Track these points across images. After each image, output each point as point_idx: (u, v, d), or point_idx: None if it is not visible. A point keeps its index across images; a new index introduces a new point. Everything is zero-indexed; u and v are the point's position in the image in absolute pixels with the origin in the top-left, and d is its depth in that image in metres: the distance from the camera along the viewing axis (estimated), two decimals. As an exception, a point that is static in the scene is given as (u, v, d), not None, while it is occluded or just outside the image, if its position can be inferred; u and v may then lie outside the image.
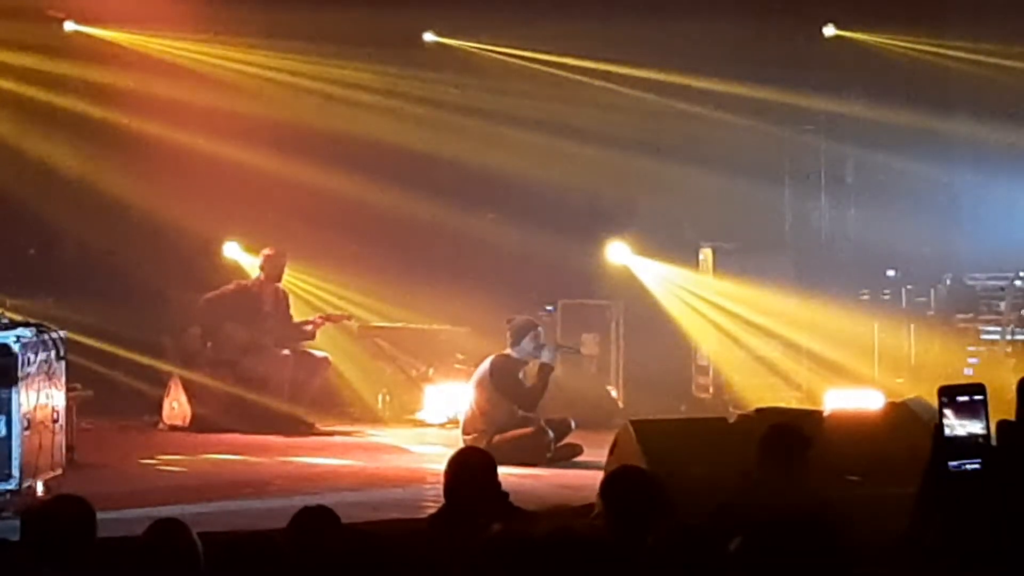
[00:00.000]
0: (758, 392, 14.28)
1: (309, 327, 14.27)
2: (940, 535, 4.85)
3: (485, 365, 12.23)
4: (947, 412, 4.88)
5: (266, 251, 14.25)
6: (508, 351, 12.21)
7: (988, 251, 15.22)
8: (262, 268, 14.22)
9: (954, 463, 4.87)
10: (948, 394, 4.94)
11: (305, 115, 15.68)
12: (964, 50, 15.63)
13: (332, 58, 15.76)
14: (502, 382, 12.03)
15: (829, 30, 16.27)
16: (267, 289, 14.17)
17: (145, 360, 14.34)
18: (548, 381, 12.17)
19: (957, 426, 4.88)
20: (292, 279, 14.98)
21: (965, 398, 4.94)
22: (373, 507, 9.48)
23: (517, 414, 12.09)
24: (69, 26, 15.78)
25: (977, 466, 4.91)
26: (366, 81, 15.89)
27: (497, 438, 11.69)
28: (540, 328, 12.35)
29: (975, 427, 4.91)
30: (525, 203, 15.47)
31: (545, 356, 12.21)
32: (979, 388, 4.98)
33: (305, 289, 15.36)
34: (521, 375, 12.21)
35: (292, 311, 14.43)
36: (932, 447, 4.89)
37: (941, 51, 15.84)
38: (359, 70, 15.85)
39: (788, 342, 14.95)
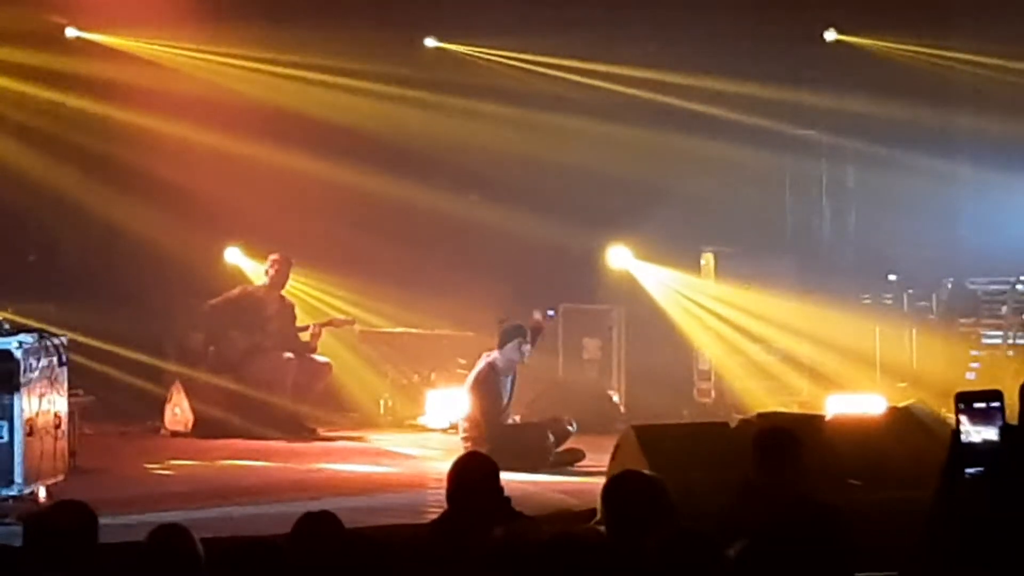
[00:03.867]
0: (760, 397, 14.27)
1: (309, 338, 14.22)
2: (956, 541, 4.84)
3: (473, 372, 12.36)
4: (963, 419, 4.86)
5: (273, 257, 14.23)
6: (494, 355, 12.28)
7: (989, 255, 15.21)
8: (267, 274, 14.21)
9: (971, 470, 4.85)
10: (965, 400, 4.91)
11: (308, 120, 15.67)
12: (966, 55, 15.63)
13: (334, 62, 15.75)
14: (482, 397, 12.18)
15: (830, 35, 16.27)
16: (272, 295, 14.17)
17: (147, 366, 14.34)
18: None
19: (972, 432, 4.86)
20: (295, 284, 14.96)
21: (982, 404, 4.91)
22: (375, 512, 9.47)
23: (508, 418, 12.19)
24: (71, 32, 15.78)
25: (983, 470, 4.88)
26: (369, 86, 15.88)
27: (497, 444, 11.68)
28: (527, 338, 12.41)
29: (991, 434, 4.88)
30: (527, 208, 15.45)
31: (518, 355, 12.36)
32: (996, 395, 4.95)
33: (308, 294, 15.36)
34: (507, 382, 12.28)
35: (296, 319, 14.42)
36: (949, 453, 4.87)
37: (942, 56, 15.84)
38: (362, 75, 15.84)
39: (790, 347, 14.94)
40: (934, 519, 4.85)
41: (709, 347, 15.25)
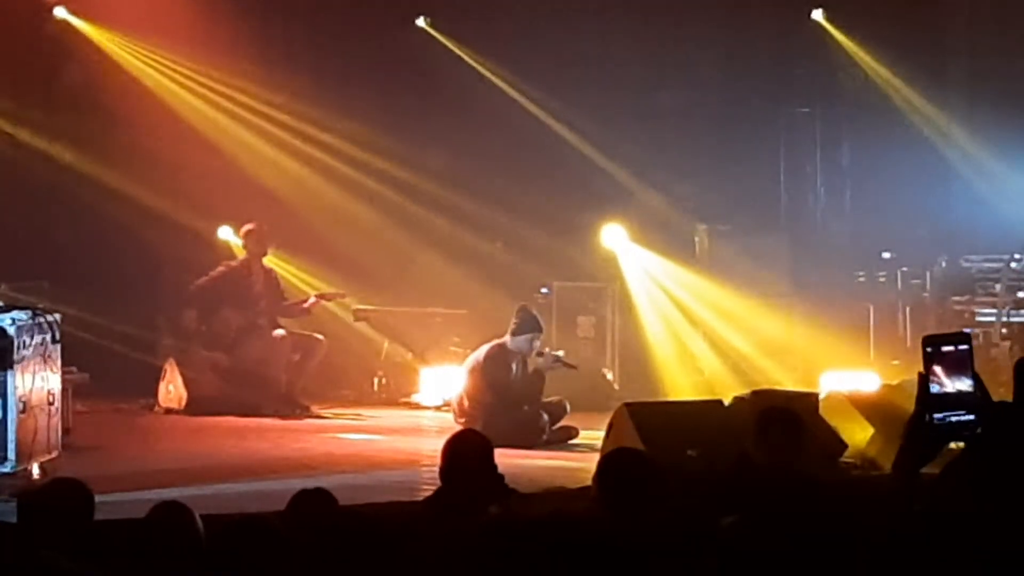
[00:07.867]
0: (753, 375, 14.25)
1: (304, 305, 14.20)
2: (923, 489, 4.76)
3: (480, 352, 12.31)
4: (933, 366, 4.71)
5: (247, 227, 14.07)
6: (506, 338, 12.26)
7: (983, 233, 15.21)
8: (245, 246, 14.12)
9: (939, 415, 4.71)
10: (933, 344, 4.73)
11: (297, 97, 15.66)
12: (959, 34, 15.62)
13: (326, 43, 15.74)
14: (493, 373, 12.12)
15: (817, 14, 16.18)
16: (255, 267, 14.05)
17: (140, 343, 14.33)
18: (539, 387, 12.26)
19: (944, 380, 4.72)
20: (286, 263, 14.93)
21: (950, 348, 4.75)
22: (370, 490, 9.47)
23: (505, 402, 12.20)
24: (59, 12, 15.66)
25: (964, 418, 4.75)
26: (357, 63, 15.84)
27: (491, 421, 11.71)
28: (541, 336, 12.43)
29: (962, 379, 4.74)
30: (521, 185, 15.44)
31: (541, 363, 12.32)
32: (964, 337, 4.81)
33: (299, 273, 15.32)
34: (514, 365, 12.26)
35: (285, 292, 14.39)
36: (917, 399, 4.76)
37: (935, 40, 15.82)
38: (351, 50, 15.80)
39: (784, 324, 14.93)
40: (899, 470, 4.74)
41: (702, 325, 15.23)
